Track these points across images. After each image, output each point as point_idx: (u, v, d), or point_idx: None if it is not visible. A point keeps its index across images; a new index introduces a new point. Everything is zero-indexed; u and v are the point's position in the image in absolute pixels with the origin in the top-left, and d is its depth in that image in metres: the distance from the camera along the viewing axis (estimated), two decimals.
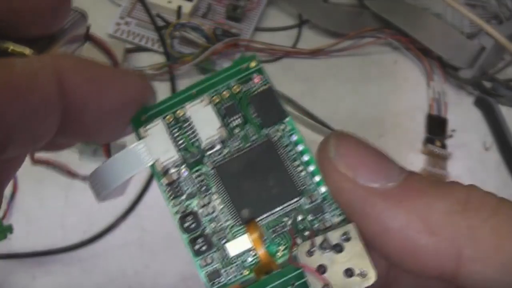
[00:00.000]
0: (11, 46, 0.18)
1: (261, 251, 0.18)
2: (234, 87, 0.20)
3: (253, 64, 0.20)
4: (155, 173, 0.19)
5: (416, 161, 0.53)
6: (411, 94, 0.58)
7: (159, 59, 0.57)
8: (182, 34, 0.57)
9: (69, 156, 0.45)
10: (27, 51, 0.18)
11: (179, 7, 0.58)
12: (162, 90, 0.56)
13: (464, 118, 0.56)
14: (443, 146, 0.54)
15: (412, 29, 0.57)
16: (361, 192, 0.17)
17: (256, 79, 0.20)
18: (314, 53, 0.58)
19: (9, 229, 0.47)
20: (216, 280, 0.18)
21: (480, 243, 0.16)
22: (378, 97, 0.57)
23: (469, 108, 0.57)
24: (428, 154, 0.54)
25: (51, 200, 0.49)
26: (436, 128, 0.55)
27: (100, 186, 0.20)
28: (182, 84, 0.56)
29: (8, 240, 0.47)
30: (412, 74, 0.59)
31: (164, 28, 0.58)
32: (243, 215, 0.19)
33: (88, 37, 0.23)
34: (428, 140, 0.54)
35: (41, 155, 0.39)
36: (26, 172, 0.47)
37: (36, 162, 0.38)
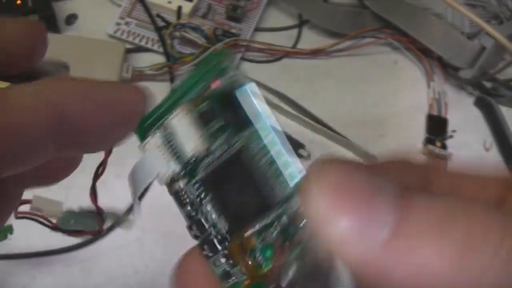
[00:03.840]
0: None
1: (243, 264, 0.18)
2: (208, 90, 0.19)
3: (224, 60, 0.19)
4: (167, 185, 0.20)
5: None
6: (411, 94, 0.58)
7: (159, 59, 0.57)
8: (182, 35, 0.57)
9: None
10: (4, 85, 0.18)
11: (179, 7, 0.58)
12: (162, 91, 0.55)
13: (464, 118, 0.56)
14: (443, 147, 0.54)
15: (412, 29, 0.57)
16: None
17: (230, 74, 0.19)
18: (314, 53, 0.58)
19: (9, 229, 0.47)
20: (229, 280, 0.19)
21: None
22: (378, 97, 0.57)
23: (469, 108, 0.57)
24: (428, 155, 0.54)
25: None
26: (436, 128, 0.55)
27: (137, 183, 0.21)
28: None
29: (8, 240, 0.47)
30: (412, 74, 0.59)
31: (164, 28, 0.58)
32: (229, 227, 0.19)
33: None
34: (428, 141, 0.54)
35: (21, 208, 0.42)
36: None
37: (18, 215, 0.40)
